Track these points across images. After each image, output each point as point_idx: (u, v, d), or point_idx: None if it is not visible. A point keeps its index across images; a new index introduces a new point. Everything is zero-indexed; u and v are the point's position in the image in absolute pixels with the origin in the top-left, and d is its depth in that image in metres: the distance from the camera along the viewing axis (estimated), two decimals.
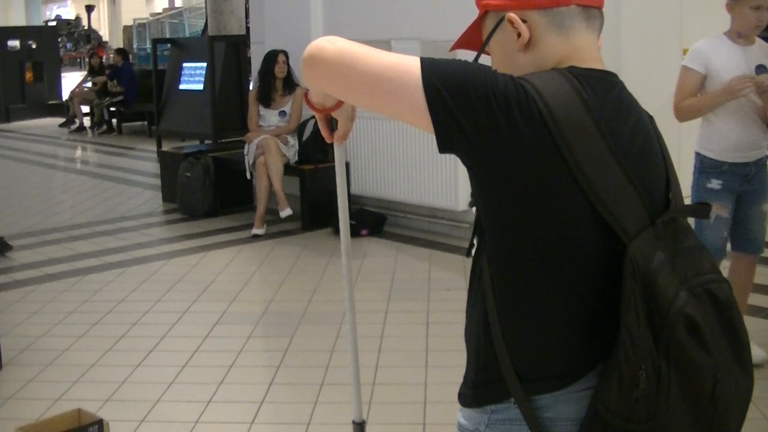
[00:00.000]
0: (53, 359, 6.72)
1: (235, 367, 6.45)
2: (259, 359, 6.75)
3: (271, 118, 10.80)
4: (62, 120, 22.61)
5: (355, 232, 9.79)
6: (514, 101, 1.98)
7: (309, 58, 2.15)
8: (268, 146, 10.35)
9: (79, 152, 19.75)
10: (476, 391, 2.20)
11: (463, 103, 1.97)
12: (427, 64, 2.01)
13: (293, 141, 10.68)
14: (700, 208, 2.35)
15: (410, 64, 2.01)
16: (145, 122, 20.28)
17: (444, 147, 2.02)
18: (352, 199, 10.46)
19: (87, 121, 22.02)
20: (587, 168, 1.99)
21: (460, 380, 2.26)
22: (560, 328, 2.09)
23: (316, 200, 10.43)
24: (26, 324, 7.58)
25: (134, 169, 15.48)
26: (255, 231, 10.24)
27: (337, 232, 9.88)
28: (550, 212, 2.02)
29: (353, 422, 3.05)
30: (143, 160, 16.35)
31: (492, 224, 2.11)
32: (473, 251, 2.21)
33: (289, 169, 10.51)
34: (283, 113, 10.80)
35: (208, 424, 5.57)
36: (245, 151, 10.72)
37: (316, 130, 10.74)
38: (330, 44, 2.11)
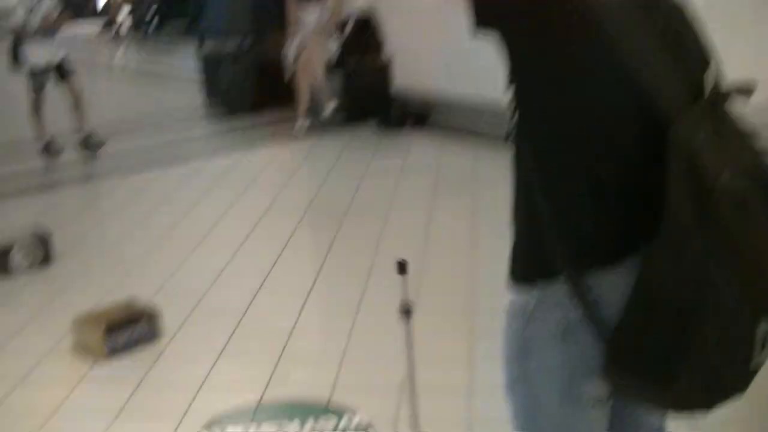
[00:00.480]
0: (104, 253, 6.83)
1: (284, 256, 6.52)
2: (307, 248, 6.81)
3: (311, 15, 10.73)
4: (104, 19, 22.51)
5: (399, 126, 9.80)
6: None
7: None
8: (309, 43, 10.30)
9: (121, 52, 19.74)
10: (526, 269, 2.21)
11: None
12: None
13: (334, 38, 10.62)
14: (745, 87, 2.32)
15: None
16: (187, 20, 20.18)
17: (481, 21, 2.00)
18: (397, 92, 10.43)
19: (128, 21, 21.93)
20: (628, 42, 1.97)
21: (506, 269, 2.27)
22: (605, 207, 2.09)
23: (358, 94, 10.40)
24: (75, 221, 7.68)
25: (176, 68, 15.48)
26: (298, 126, 10.24)
27: (382, 126, 9.90)
28: (589, 88, 2.02)
29: (401, 306, 3.12)
30: (185, 59, 16.30)
31: (530, 105, 2.10)
32: (512, 135, 2.19)
33: (330, 66, 10.46)
34: (323, 11, 10.71)
35: (257, 311, 5.65)
36: (286, 47, 10.67)
37: (356, 26, 10.70)
38: None
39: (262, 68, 11.38)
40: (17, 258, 6.44)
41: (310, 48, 10.25)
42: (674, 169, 1.95)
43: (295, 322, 5.44)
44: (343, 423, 4.30)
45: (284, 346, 5.13)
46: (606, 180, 2.07)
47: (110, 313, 5.32)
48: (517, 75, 2.08)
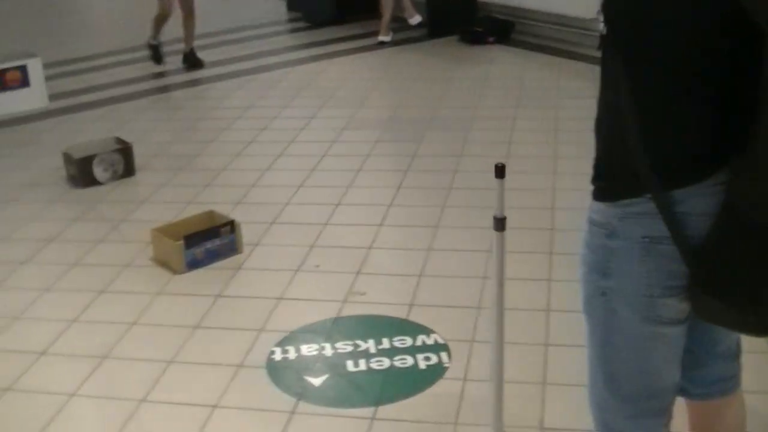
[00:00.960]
0: (184, 164, 6.84)
1: (363, 171, 6.47)
2: (387, 163, 6.75)
3: None
4: None
5: (481, 39, 9.65)
6: None
7: None
8: None
9: None
10: (610, 185, 2.17)
11: None
12: None
13: None
14: None
15: None
16: None
17: None
18: (479, 6, 10.27)
19: None
20: None
21: (588, 186, 2.21)
22: (693, 121, 2.05)
23: (441, 7, 10.24)
24: (156, 131, 7.70)
25: None
26: (381, 38, 10.14)
27: (464, 40, 9.77)
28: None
29: (494, 217, 3.03)
30: None
31: (622, 14, 2.05)
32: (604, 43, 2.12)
33: None
34: None
35: (337, 226, 5.63)
36: None
37: None
38: None
39: None
40: (99, 169, 6.47)
41: None
42: None
43: (374, 238, 5.40)
44: (418, 342, 4.28)
45: (362, 262, 5.10)
46: (698, 91, 2.02)
47: (190, 225, 5.33)
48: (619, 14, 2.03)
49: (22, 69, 8.50)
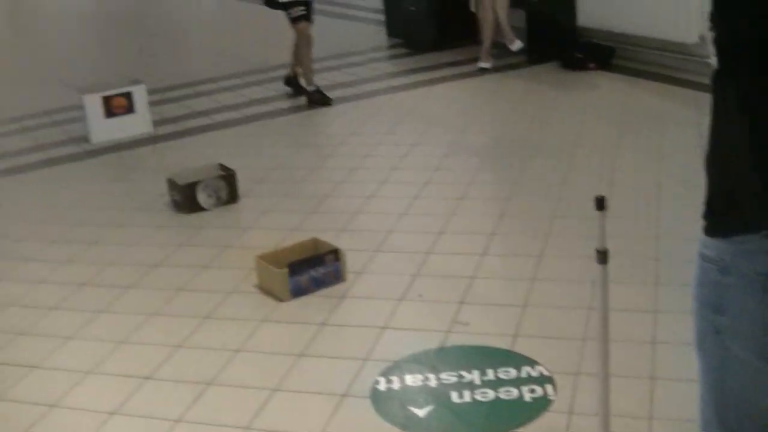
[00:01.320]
0: (288, 191, 6.90)
1: (466, 198, 6.46)
2: (489, 191, 6.74)
3: None
4: None
5: (582, 66, 9.59)
6: None
7: None
8: None
9: None
10: (723, 221, 2.09)
11: None
12: None
13: None
14: None
15: None
16: None
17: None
18: (580, 31, 10.20)
19: None
20: None
21: (693, 215, 2.18)
22: None
23: (541, 33, 10.20)
24: (260, 157, 7.78)
25: (358, 5, 15.46)
26: (481, 64, 10.12)
27: (565, 66, 9.71)
28: None
29: (596, 250, 3.02)
30: None
31: (736, 43, 1.97)
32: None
33: (514, 0, 10.27)
34: None
35: (439, 254, 5.62)
36: None
37: None
38: None
39: (445, 3, 11.25)
40: (203, 195, 6.55)
41: None
42: None
43: (477, 267, 5.39)
44: (523, 373, 4.25)
45: (466, 291, 5.09)
46: None
47: (294, 253, 5.37)
48: (722, 10, 1.98)
49: (128, 95, 8.66)
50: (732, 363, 2.16)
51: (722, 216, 2.10)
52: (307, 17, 9.28)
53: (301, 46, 9.30)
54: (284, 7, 9.23)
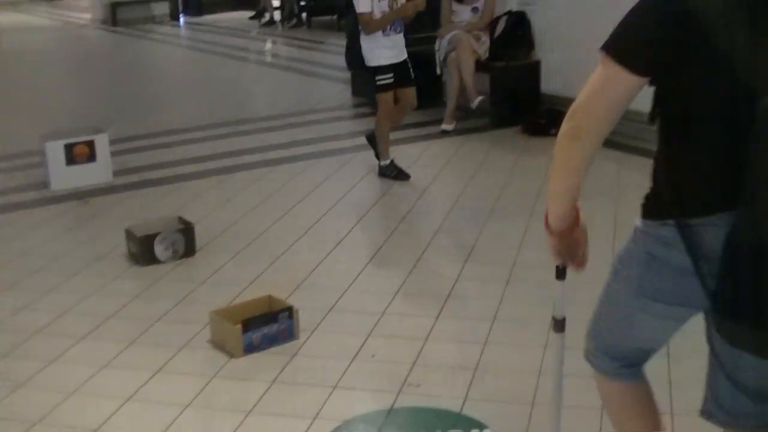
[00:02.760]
0: (245, 246, 6.90)
1: (423, 259, 6.50)
2: (447, 253, 6.76)
3: (463, 13, 10.67)
4: (252, 13, 22.83)
5: (544, 131, 9.67)
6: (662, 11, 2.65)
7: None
8: (459, 42, 10.25)
9: (269, 45, 20.00)
10: (647, 207, 2.92)
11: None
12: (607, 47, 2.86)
13: (485, 37, 10.53)
14: None
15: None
16: (335, 16, 20.36)
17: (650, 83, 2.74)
18: (543, 98, 10.31)
19: (277, 15, 22.18)
20: (726, 46, 2.50)
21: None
22: (706, 167, 2.68)
23: (505, 97, 10.32)
24: (219, 212, 7.79)
25: (324, 63, 15.59)
26: (444, 126, 10.20)
27: (526, 131, 9.80)
28: (696, 83, 2.62)
29: (553, 318, 3.08)
30: (333, 54, 16.35)
31: (662, 100, 2.77)
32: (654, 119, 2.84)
33: (479, 65, 10.39)
34: (475, 9, 10.64)
35: (393, 315, 5.63)
36: (436, 46, 10.63)
37: (507, 27, 10.59)
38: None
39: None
40: (161, 247, 6.54)
41: (460, 47, 10.19)
42: (761, 135, 2.44)
43: (431, 329, 5.40)
44: None
45: (418, 353, 5.09)
46: (706, 146, 2.67)
47: (248, 309, 5.36)
48: (654, 81, 2.76)
49: (90, 144, 8.66)
50: (612, 293, 3.15)
51: (647, 204, 2.93)
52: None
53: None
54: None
